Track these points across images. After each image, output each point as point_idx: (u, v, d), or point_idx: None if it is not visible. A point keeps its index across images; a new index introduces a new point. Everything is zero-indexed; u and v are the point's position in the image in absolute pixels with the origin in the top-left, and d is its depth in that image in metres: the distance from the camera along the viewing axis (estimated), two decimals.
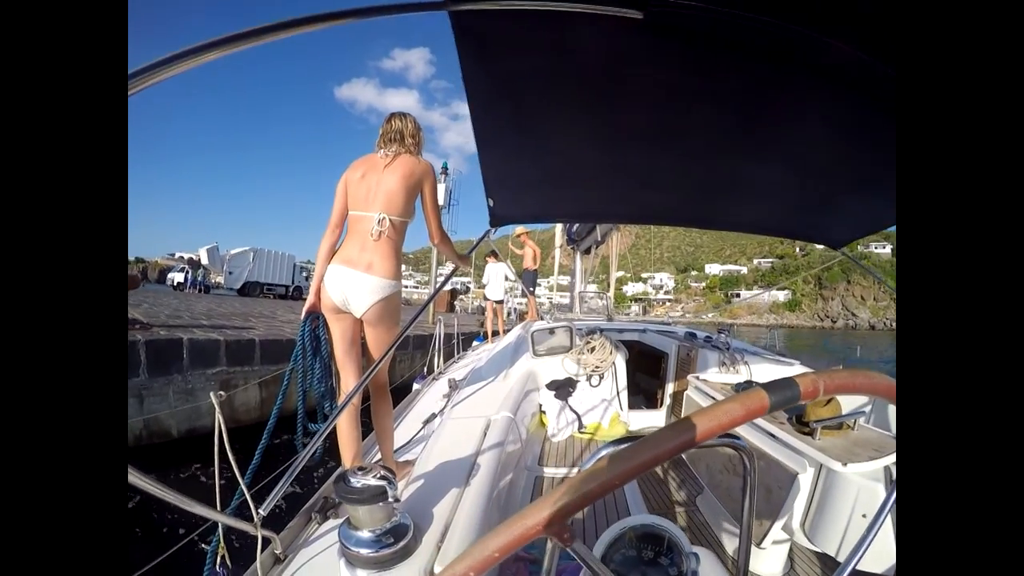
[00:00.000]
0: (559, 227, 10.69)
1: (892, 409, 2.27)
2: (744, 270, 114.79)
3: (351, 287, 1.78)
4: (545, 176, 2.02)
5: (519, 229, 8.65)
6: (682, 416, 0.99)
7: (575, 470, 2.74)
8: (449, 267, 3.25)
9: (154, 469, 5.21)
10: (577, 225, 8.30)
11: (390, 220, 1.82)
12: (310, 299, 1.89)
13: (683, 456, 2.67)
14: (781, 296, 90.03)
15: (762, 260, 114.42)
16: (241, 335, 7.55)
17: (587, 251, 8.95)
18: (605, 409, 3.55)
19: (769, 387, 0.47)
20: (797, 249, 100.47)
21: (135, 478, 0.79)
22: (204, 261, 29.59)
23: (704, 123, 1.48)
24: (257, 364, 7.33)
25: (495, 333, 7.70)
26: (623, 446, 0.48)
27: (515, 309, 13.92)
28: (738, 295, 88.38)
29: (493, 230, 2.46)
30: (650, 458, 0.46)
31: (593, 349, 3.67)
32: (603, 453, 0.67)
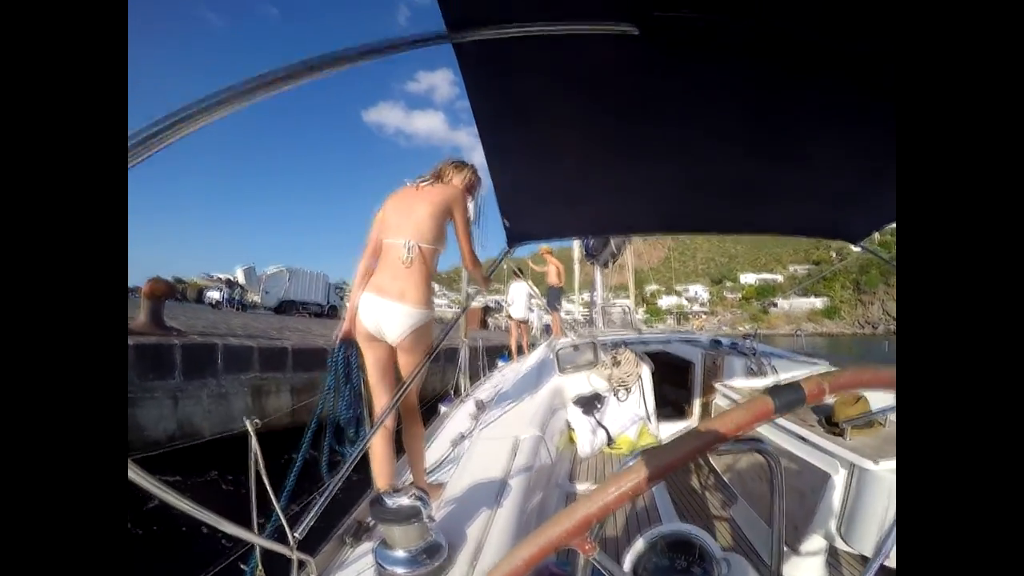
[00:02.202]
0: (576, 243, 10.59)
1: None
2: (780, 278, 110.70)
3: (384, 315, 1.82)
4: (558, 192, 2.04)
5: (542, 247, 8.63)
6: None
7: None
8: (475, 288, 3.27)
9: (188, 470, 5.31)
10: (594, 240, 8.24)
11: (419, 247, 1.86)
12: (345, 325, 1.94)
13: (715, 466, 2.62)
14: (819, 303, 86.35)
15: (798, 267, 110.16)
16: (274, 343, 7.64)
17: (605, 264, 8.86)
18: (634, 422, 3.51)
19: (774, 391, 0.48)
20: (834, 255, 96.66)
21: (174, 499, 0.80)
22: (241, 281, 30.52)
23: (710, 129, 1.47)
24: (289, 371, 7.38)
25: (519, 351, 7.67)
26: (634, 459, 0.49)
27: (546, 326, 13.76)
28: (775, 304, 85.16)
29: (511, 250, 2.48)
30: (661, 467, 0.46)
31: (619, 363, 3.66)
32: (630, 463, 0.68)
